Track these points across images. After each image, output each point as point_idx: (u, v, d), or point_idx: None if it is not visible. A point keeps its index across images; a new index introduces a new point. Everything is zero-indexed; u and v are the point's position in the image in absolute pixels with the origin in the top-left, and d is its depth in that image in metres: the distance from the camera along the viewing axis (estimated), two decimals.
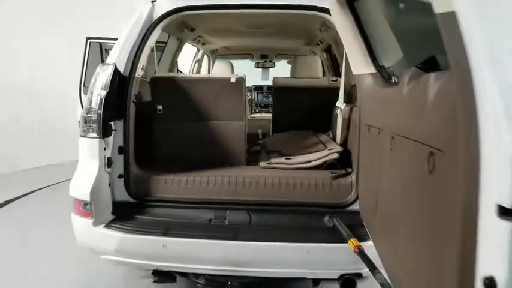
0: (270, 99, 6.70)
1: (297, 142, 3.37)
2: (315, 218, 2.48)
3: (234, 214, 2.50)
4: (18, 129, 7.07)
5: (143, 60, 2.64)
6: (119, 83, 2.48)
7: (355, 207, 2.46)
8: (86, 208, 2.39)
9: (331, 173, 2.69)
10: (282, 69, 6.33)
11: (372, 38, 2.14)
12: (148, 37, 2.61)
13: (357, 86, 2.35)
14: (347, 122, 3.01)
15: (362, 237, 2.18)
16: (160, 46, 3.93)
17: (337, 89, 3.70)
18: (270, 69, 6.44)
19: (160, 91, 2.86)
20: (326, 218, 2.46)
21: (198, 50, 5.02)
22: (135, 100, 2.62)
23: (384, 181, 1.73)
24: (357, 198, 2.46)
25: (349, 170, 2.70)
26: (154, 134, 2.90)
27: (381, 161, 1.79)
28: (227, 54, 5.83)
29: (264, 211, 2.53)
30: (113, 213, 2.47)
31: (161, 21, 2.66)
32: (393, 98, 1.71)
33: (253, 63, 6.41)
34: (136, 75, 2.58)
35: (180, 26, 3.43)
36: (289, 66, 6.58)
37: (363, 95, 2.26)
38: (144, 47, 2.60)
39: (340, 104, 3.02)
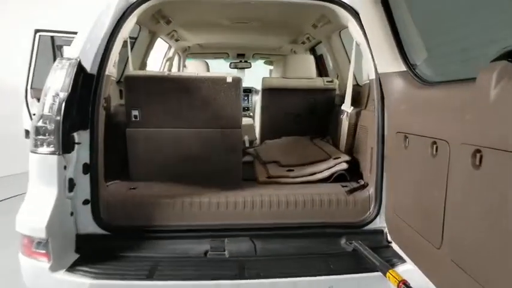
0: (247, 102, 6.33)
1: (295, 150, 2.96)
2: (330, 241, 2.13)
3: (234, 243, 2.07)
4: None
5: (115, 54, 2.12)
6: (84, 82, 1.96)
7: (375, 225, 2.16)
8: (40, 247, 1.85)
9: (342, 186, 2.36)
10: (262, 70, 5.92)
11: (405, 34, 1.81)
12: (121, 26, 2.10)
13: (384, 88, 2.00)
14: (354, 128, 2.69)
15: (391, 262, 1.90)
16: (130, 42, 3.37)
17: (334, 90, 3.38)
18: (246, 70, 6.01)
19: (136, 93, 2.34)
20: (343, 241, 2.12)
21: (170, 47, 4.48)
22: (105, 104, 2.10)
23: (462, 204, 1.38)
24: (377, 215, 2.15)
25: (361, 182, 2.37)
26: (129, 146, 2.38)
27: (442, 178, 1.45)
28: (200, 53, 5.33)
29: (270, 237, 2.13)
30: (77, 251, 2.00)
31: (137, 7, 2.16)
32: (462, 101, 1.35)
33: (228, 63, 5.94)
34: (107, 73, 2.06)
35: (155, 16, 2.94)
36: (267, 67, 6.28)
37: (392, 97, 1.91)
38: (116, 38, 2.07)
39: (347, 107, 2.67)
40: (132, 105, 2.34)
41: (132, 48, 3.37)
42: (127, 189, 2.26)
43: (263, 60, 6.08)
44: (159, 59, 4.62)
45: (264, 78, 3.44)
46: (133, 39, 3.43)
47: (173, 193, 2.20)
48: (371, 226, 2.14)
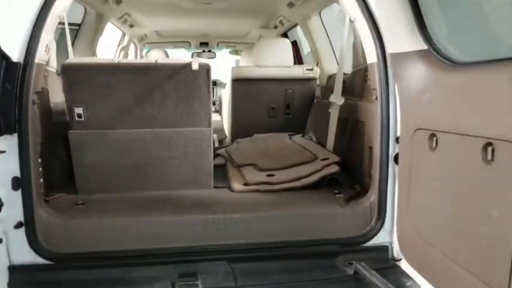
0: (212, 96, 5.91)
1: (274, 151, 2.64)
2: (324, 262, 1.81)
3: (209, 269, 1.72)
4: None
5: (48, 37, 1.69)
6: (6, 73, 1.53)
7: (378, 240, 1.87)
8: None
9: (335, 193, 2.06)
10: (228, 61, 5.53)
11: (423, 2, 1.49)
12: (53, 1, 1.66)
13: (397, 72, 1.68)
14: (345, 123, 2.39)
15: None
16: (73, 29, 2.91)
17: (314, 80, 3.08)
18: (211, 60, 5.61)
19: (78, 86, 1.92)
20: (340, 261, 1.80)
21: (124, 34, 4.01)
22: (37, 101, 1.69)
23: None
24: (380, 228, 1.85)
25: (357, 187, 2.08)
26: (74, 152, 1.97)
27: (506, 193, 1.11)
28: (158, 42, 4.89)
29: (252, 259, 1.80)
30: (10, 286, 1.66)
31: None
32: None
33: (190, 53, 5.52)
34: (38, 60, 1.63)
35: None
36: (233, 57, 5.91)
37: (409, 84, 1.59)
38: (46, 16, 1.64)
39: (337, 98, 2.35)
40: (74, 102, 1.92)
41: (76, 35, 2.93)
42: (73, 205, 1.90)
43: (229, 50, 5.71)
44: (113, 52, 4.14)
45: (233, 68, 3.09)
46: (78, 26, 2.97)
47: (130, 209, 1.85)
48: (373, 242, 1.85)
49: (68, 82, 1.91)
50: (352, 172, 2.23)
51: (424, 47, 1.48)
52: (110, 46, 4.03)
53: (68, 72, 1.90)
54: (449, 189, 1.36)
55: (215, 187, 2.14)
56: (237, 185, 2.15)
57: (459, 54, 1.39)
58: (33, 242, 1.67)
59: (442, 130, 1.34)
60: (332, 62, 3.16)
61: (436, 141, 1.38)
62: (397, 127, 1.77)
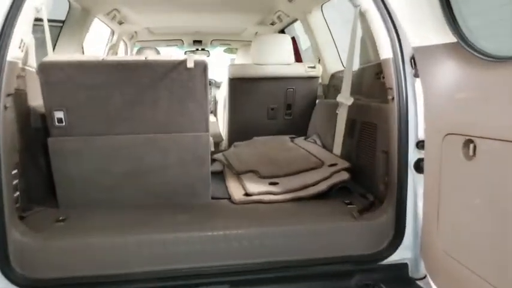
0: None
1: (276, 156, 2.45)
2: (337, 283, 1.63)
3: None
4: None
5: (22, 31, 1.49)
6: None
7: (396, 257, 1.67)
8: None
9: (346, 203, 1.88)
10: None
11: None
12: None
13: (423, 68, 1.50)
14: (351, 125, 2.21)
15: None
16: (57, 26, 2.70)
17: (317, 78, 2.91)
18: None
19: (59, 87, 1.72)
20: (354, 281, 1.63)
21: (113, 32, 3.79)
22: (9, 105, 1.50)
23: None
24: (399, 245, 1.66)
25: (370, 197, 1.90)
26: (54, 162, 1.77)
27: None
28: (150, 40, 4.68)
29: (258, 282, 1.60)
30: None
31: None
32: None
33: (183, 52, 5.32)
34: (10, 58, 1.43)
35: None
36: (228, 56, 5.72)
37: (437, 81, 1.41)
38: (20, 8, 1.44)
39: (345, 98, 2.16)
40: (54, 105, 1.71)
41: (60, 33, 2.72)
42: (53, 222, 1.69)
43: (223, 48, 5.51)
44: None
45: (231, 66, 2.89)
46: (62, 23, 2.76)
47: (117, 226, 1.64)
48: (391, 259, 1.66)
49: (46, 82, 1.70)
50: (362, 179, 2.05)
51: (453, 39, 1.30)
52: (99, 45, 3.83)
53: (46, 71, 1.69)
54: (490, 205, 1.18)
55: (213, 198, 1.95)
56: (238, 196, 1.95)
57: (496, 47, 1.21)
58: (5, 266, 1.45)
59: (481, 136, 1.16)
60: (335, 59, 2.99)
61: (474, 148, 1.19)
62: (417, 131, 1.60)
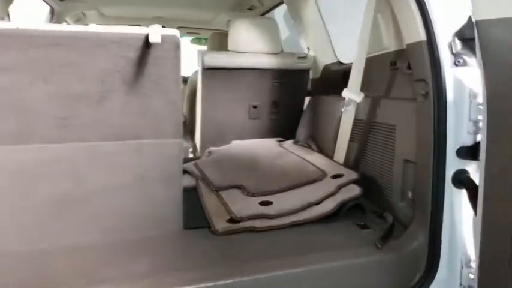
0: None
1: (264, 165, 2.01)
2: None
3: None
4: None
5: None
6: None
7: None
8: None
9: (360, 226, 1.54)
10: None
11: None
12: None
13: (484, 49, 1.12)
14: (358, 126, 1.89)
15: None
16: None
17: (308, 71, 2.54)
18: None
19: None
20: None
21: (52, 10, 3.19)
22: None
23: None
24: (433, 278, 1.34)
25: (388, 216, 1.56)
26: None
27: None
28: (101, 25, 4.08)
29: None
30: None
31: None
32: None
33: None
34: None
35: None
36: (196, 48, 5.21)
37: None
38: None
39: (354, 93, 1.80)
40: None
41: None
42: None
43: (190, 38, 5.01)
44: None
45: (204, 53, 2.40)
46: None
47: (41, 281, 1.13)
48: None
49: None
50: (373, 194, 1.70)
51: None
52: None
53: None
54: None
55: (186, 228, 1.48)
56: (221, 223, 1.49)
57: None
58: None
59: None
60: (327, 48, 2.60)
61: None
62: (460, 135, 1.31)
